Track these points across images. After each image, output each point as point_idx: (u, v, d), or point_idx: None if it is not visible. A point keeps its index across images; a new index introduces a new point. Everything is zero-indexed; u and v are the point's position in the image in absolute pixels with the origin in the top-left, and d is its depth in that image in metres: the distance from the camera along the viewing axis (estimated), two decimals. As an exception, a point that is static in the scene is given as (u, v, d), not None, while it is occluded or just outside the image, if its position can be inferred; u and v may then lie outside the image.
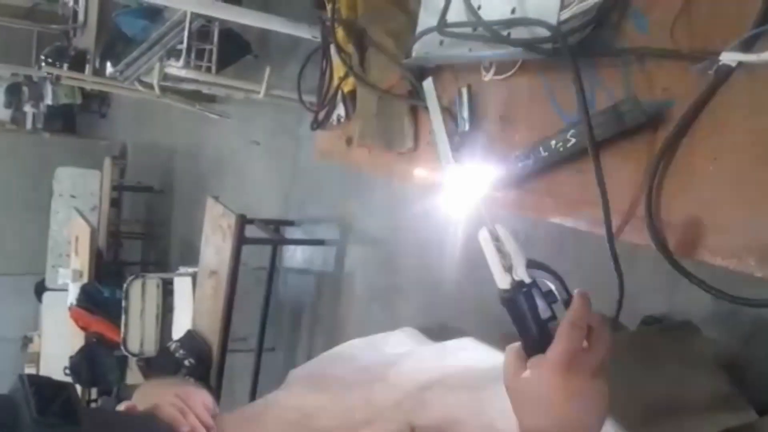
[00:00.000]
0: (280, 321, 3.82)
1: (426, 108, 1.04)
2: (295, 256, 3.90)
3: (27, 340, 6.15)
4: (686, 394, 0.91)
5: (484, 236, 0.66)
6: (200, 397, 0.85)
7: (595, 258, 0.81)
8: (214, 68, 3.53)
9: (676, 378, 0.95)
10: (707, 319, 1.03)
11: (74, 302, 4.38)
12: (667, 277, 0.76)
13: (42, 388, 0.65)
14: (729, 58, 0.67)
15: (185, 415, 0.80)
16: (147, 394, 0.86)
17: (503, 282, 0.66)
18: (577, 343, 0.61)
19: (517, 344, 0.66)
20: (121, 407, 0.84)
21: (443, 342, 1.00)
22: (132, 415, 0.81)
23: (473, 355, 0.93)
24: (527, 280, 0.66)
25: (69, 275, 4.71)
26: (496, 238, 0.66)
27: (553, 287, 0.65)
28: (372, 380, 0.87)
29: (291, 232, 3.85)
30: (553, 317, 0.65)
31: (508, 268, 0.66)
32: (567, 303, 0.64)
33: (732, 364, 0.95)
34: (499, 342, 0.73)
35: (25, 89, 8.03)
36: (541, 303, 0.65)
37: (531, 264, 0.66)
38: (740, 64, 0.66)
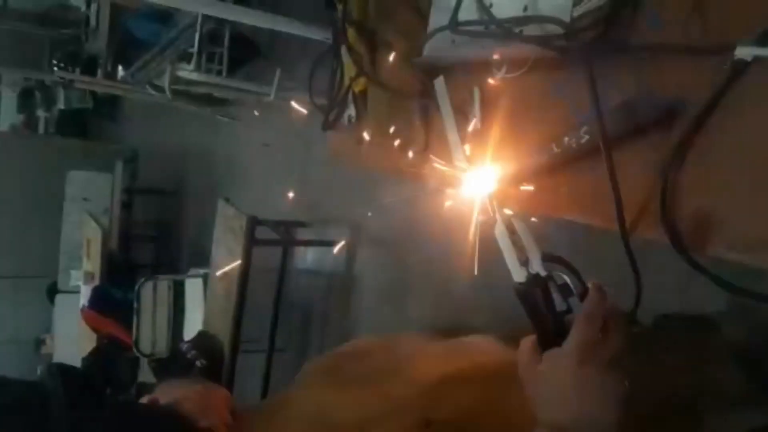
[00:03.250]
0: (290, 322, 3.82)
1: (437, 107, 1.04)
2: (305, 257, 3.91)
3: (40, 342, 6.19)
4: (704, 391, 0.91)
5: (500, 229, 0.66)
6: (220, 395, 0.86)
7: (609, 256, 0.81)
8: (224, 71, 3.55)
9: (694, 374, 0.95)
10: (723, 316, 1.03)
11: (86, 304, 4.41)
12: (682, 273, 0.75)
13: (70, 377, 0.67)
14: (744, 52, 0.66)
15: (205, 411, 0.80)
16: (168, 391, 0.87)
17: (519, 275, 0.66)
18: (592, 335, 0.61)
19: (533, 337, 0.67)
20: (144, 400, 0.85)
21: (457, 338, 1.00)
22: (154, 407, 0.82)
23: (487, 351, 0.93)
24: (543, 274, 0.66)
25: (81, 277, 4.75)
26: (512, 232, 0.66)
27: (568, 280, 0.66)
28: (387, 376, 0.88)
29: (301, 233, 3.85)
30: (569, 310, 0.65)
31: (524, 262, 0.66)
32: (582, 296, 0.64)
33: (750, 359, 0.94)
34: (512, 339, 0.73)
35: (37, 94, 8.12)
36: (556, 296, 0.65)
37: (547, 257, 0.66)
38: (756, 58, 0.66)
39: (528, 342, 0.67)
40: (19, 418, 0.62)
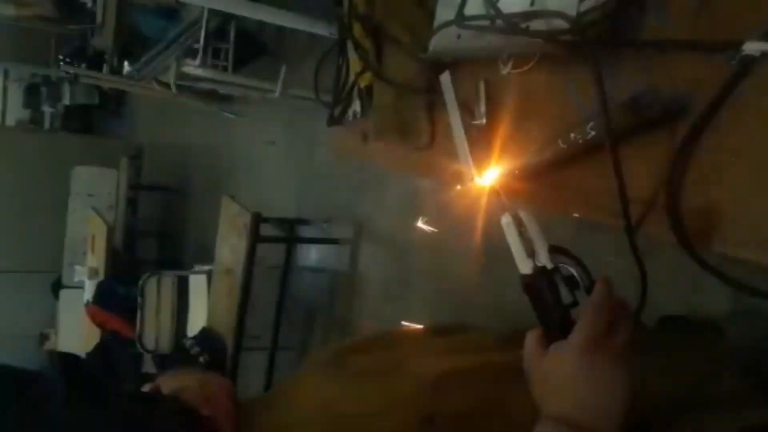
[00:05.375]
0: (294, 319, 3.83)
1: (443, 102, 1.03)
2: (309, 254, 3.91)
3: (44, 337, 6.21)
4: (707, 391, 0.91)
5: (506, 221, 0.66)
6: (222, 385, 0.86)
7: (613, 255, 0.80)
8: (230, 67, 3.55)
9: (697, 375, 0.94)
10: (729, 317, 1.02)
11: (90, 299, 4.41)
12: (686, 273, 0.75)
13: (72, 365, 0.66)
14: (752, 48, 0.66)
15: (207, 400, 0.80)
16: (170, 381, 0.87)
17: (525, 267, 0.66)
18: (599, 327, 0.61)
19: (539, 329, 0.66)
20: (146, 389, 0.85)
21: (460, 335, 1.00)
22: (158, 395, 0.82)
23: (491, 347, 0.93)
24: (549, 266, 0.65)
25: (85, 273, 4.75)
26: (518, 224, 0.66)
27: (575, 273, 0.65)
28: (390, 370, 0.87)
29: (305, 231, 3.85)
30: (575, 303, 0.65)
31: (531, 254, 0.66)
32: (589, 289, 0.64)
33: (755, 361, 0.94)
34: (516, 336, 0.72)
35: (43, 90, 8.14)
36: (563, 288, 0.65)
37: (553, 249, 0.66)
38: (764, 54, 0.65)
39: (534, 334, 0.66)
40: (19, 405, 0.62)
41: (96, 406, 0.64)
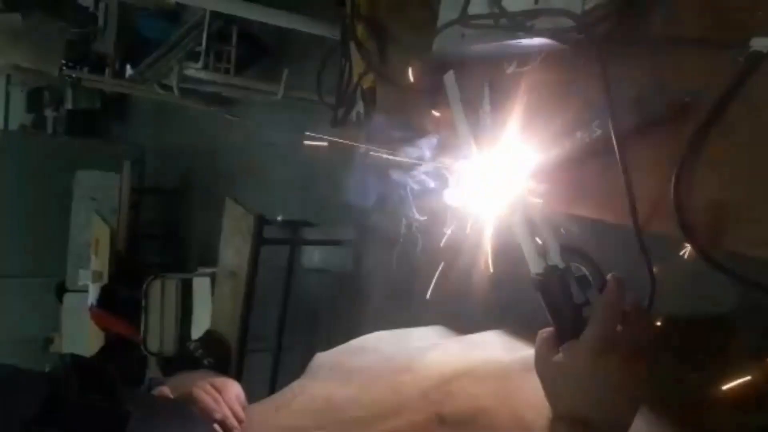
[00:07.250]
0: (298, 321, 3.82)
1: (447, 102, 1.03)
2: (313, 256, 3.90)
3: (48, 341, 6.21)
4: (717, 391, 0.90)
5: (517, 220, 0.66)
6: (233, 388, 0.86)
7: (621, 255, 0.80)
8: (232, 70, 3.55)
9: (707, 373, 0.94)
10: (738, 314, 1.01)
11: (94, 303, 4.42)
12: (695, 271, 0.74)
13: (83, 367, 0.66)
14: (760, 44, 0.65)
15: (218, 403, 0.80)
16: (182, 383, 0.87)
17: (537, 266, 0.65)
18: (611, 326, 0.61)
19: (550, 329, 0.66)
20: (155, 393, 0.85)
21: (469, 335, 1.00)
22: (168, 399, 0.82)
23: (499, 347, 0.92)
24: (561, 265, 0.65)
25: (89, 276, 4.76)
26: (529, 223, 0.66)
27: (586, 272, 0.65)
28: (398, 371, 0.87)
29: (309, 233, 3.85)
30: (587, 302, 0.64)
31: (542, 253, 0.65)
32: (601, 288, 0.64)
33: (762, 359, 0.93)
34: (525, 335, 0.72)
35: (46, 94, 8.16)
36: (574, 288, 0.64)
37: (565, 248, 0.66)
38: (772, 50, 0.65)
39: (545, 334, 0.66)
40: (31, 407, 0.61)
41: (107, 406, 0.64)
